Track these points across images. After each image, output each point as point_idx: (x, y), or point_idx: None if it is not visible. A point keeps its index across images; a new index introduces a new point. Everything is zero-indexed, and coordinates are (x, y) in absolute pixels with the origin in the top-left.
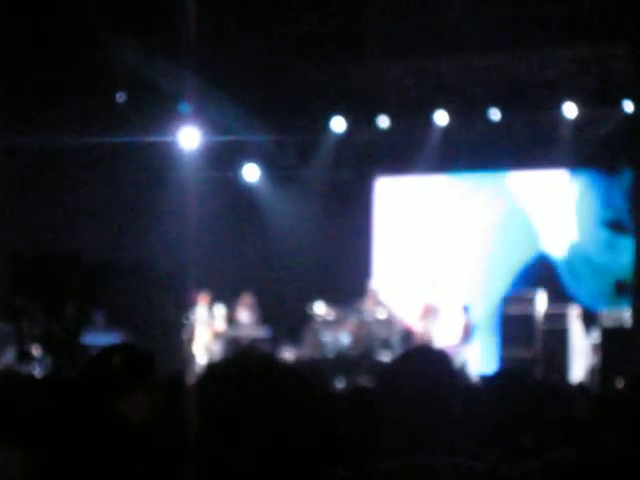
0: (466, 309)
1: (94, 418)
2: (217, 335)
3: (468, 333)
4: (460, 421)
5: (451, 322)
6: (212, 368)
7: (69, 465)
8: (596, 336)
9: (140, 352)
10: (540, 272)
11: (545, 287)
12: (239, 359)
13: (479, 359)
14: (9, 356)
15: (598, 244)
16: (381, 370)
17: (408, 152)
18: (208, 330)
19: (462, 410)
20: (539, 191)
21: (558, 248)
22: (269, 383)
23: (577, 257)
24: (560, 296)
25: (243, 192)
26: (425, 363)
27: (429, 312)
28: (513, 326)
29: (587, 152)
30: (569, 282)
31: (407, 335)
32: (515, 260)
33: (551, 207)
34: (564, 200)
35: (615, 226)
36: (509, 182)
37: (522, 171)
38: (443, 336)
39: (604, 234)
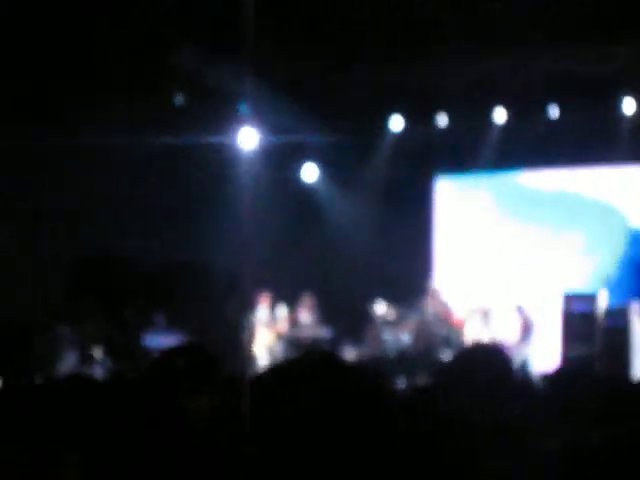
0: (520, 309)
1: (159, 420)
2: (279, 336)
3: (526, 332)
4: (520, 418)
5: (508, 323)
6: (275, 369)
7: (132, 466)
8: None
9: (204, 354)
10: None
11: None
12: (302, 359)
13: (543, 358)
14: (71, 359)
15: None
16: (439, 369)
17: (467, 150)
18: (270, 331)
19: (522, 408)
20: (603, 188)
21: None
22: (332, 383)
23: None
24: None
25: (302, 192)
26: (481, 361)
27: (481, 315)
28: (575, 323)
29: None
30: None
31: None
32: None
33: (617, 203)
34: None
35: None
36: (569, 179)
37: (583, 168)
38: (501, 336)
39: None
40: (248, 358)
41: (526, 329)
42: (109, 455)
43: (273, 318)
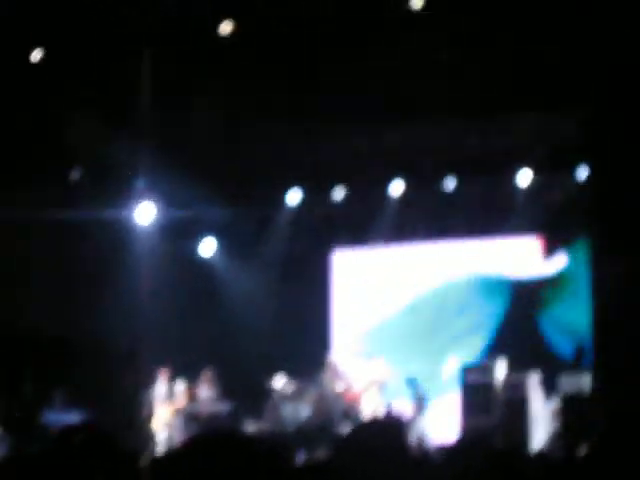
0: (412, 382)
1: None
2: (178, 411)
3: (420, 405)
4: None
5: (401, 396)
6: (172, 450)
7: None
8: (557, 401)
9: (100, 431)
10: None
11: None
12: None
13: (442, 429)
14: None
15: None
16: (338, 443)
17: (364, 223)
18: (168, 406)
19: None
20: (494, 258)
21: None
22: (230, 461)
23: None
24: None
25: (201, 266)
26: (378, 435)
27: (374, 386)
28: (473, 395)
29: (540, 220)
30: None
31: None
32: (477, 328)
33: (510, 273)
34: (521, 267)
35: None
36: (464, 250)
37: (478, 239)
38: (396, 408)
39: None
40: (146, 434)
41: (420, 402)
42: None
43: (172, 393)
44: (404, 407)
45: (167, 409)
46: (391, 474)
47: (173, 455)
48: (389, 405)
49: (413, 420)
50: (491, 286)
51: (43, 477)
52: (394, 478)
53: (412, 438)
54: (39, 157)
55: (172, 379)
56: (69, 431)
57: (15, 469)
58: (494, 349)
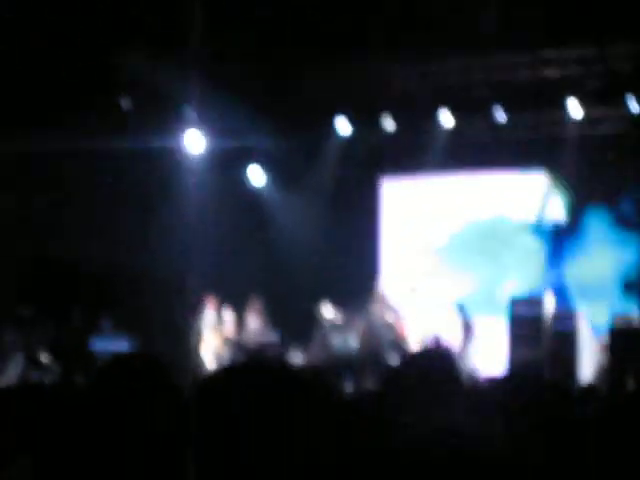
0: (461, 307)
1: (109, 428)
2: (226, 341)
3: (467, 333)
4: (466, 424)
5: (449, 323)
6: (215, 378)
7: (81, 473)
8: (606, 335)
9: (153, 360)
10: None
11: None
12: (244, 369)
13: (487, 361)
14: (18, 364)
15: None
16: (387, 374)
17: (413, 153)
18: (217, 335)
19: (468, 412)
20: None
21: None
22: (278, 394)
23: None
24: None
25: (250, 196)
26: (428, 365)
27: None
28: (521, 327)
29: (592, 153)
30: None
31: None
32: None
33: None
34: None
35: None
36: (515, 182)
37: (527, 171)
38: (443, 336)
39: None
40: (194, 363)
41: (467, 330)
42: (59, 459)
43: (220, 322)
44: (453, 334)
45: (215, 338)
46: (441, 405)
47: (218, 381)
48: (437, 335)
49: (461, 349)
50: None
51: (94, 406)
52: (444, 409)
53: (461, 368)
54: (88, 87)
55: (220, 307)
56: (122, 359)
57: (65, 397)
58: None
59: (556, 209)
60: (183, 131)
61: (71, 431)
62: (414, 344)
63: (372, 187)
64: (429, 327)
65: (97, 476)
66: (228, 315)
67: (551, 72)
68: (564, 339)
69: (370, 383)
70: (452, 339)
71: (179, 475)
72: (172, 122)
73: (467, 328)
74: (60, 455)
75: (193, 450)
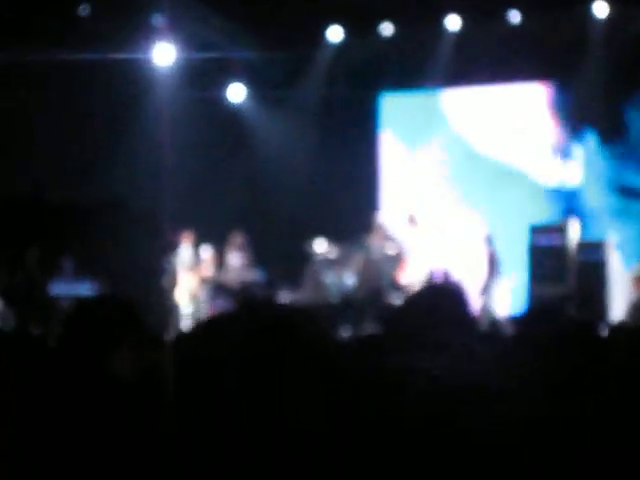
0: (489, 239)
1: (78, 378)
2: (204, 280)
3: (494, 266)
4: (484, 370)
5: (473, 255)
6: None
7: (55, 427)
8: (637, 268)
9: (123, 303)
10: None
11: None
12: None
13: (507, 297)
14: None
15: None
16: (390, 314)
17: (416, 63)
18: (194, 275)
19: (485, 357)
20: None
21: None
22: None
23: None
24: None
25: (227, 115)
26: (437, 304)
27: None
28: (543, 259)
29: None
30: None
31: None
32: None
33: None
34: None
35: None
36: (532, 94)
37: (546, 81)
38: (467, 269)
39: None
40: (169, 307)
41: (493, 263)
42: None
43: (197, 260)
44: (476, 269)
45: (192, 278)
46: (453, 350)
47: (201, 329)
48: (444, 270)
49: (485, 286)
50: None
51: (55, 357)
52: (456, 354)
53: (480, 307)
54: None
55: (197, 244)
56: (87, 305)
57: (21, 348)
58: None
59: None
60: (152, 42)
61: (31, 390)
62: (418, 281)
63: (369, 104)
64: (435, 262)
65: (74, 430)
66: (206, 252)
67: None
68: (591, 271)
69: (369, 326)
70: (463, 275)
71: (160, 438)
72: (138, 32)
73: (492, 263)
74: (32, 411)
75: (174, 411)
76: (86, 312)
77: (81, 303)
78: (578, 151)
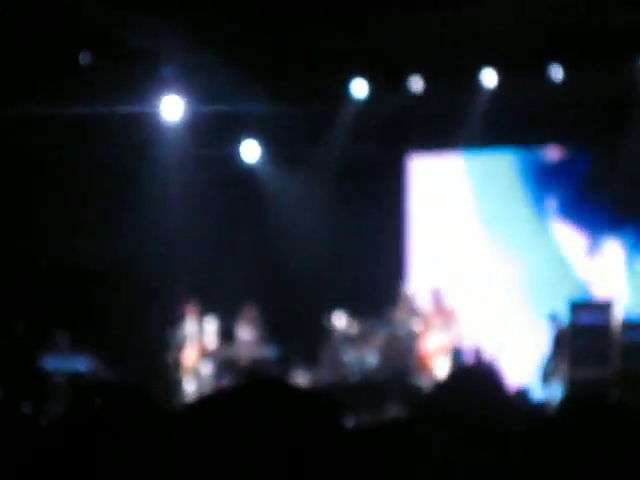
0: (554, 317)
1: (73, 465)
2: (208, 355)
3: (559, 346)
4: (521, 460)
5: (511, 327)
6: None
7: None
8: None
9: (131, 393)
10: None
11: None
12: (243, 388)
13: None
14: None
15: None
16: (419, 397)
17: (448, 122)
18: (197, 349)
19: (522, 446)
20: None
21: None
22: (282, 419)
23: None
24: None
25: (240, 175)
26: (476, 388)
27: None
28: (584, 339)
29: None
30: None
31: (455, 352)
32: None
33: None
34: None
35: None
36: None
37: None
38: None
39: None
40: (171, 385)
41: (558, 342)
42: None
43: (201, 333)
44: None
45: (196, 353)
46: (488, 438)
47: (202, 407)
48: (476, 348)
49: (553, 364)
50: None
51: (48, 439)
52: (491, 442)
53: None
54: (41, 38)
55: (202, 316)
56: (89, 393)
57: (9, 427)
58: None
59: None
60: (160, 95)
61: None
62: (446, 360)
63: (396, 165)
64: (465, 337)
65: None
66: (210, 324)
67: (623, 19)
68: (637, 353)
69: (393, 410)
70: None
71: None
72: (145, 83)
73: (558, 341)
74: None
75: None
76: (94, 401)
77: (89, 388)
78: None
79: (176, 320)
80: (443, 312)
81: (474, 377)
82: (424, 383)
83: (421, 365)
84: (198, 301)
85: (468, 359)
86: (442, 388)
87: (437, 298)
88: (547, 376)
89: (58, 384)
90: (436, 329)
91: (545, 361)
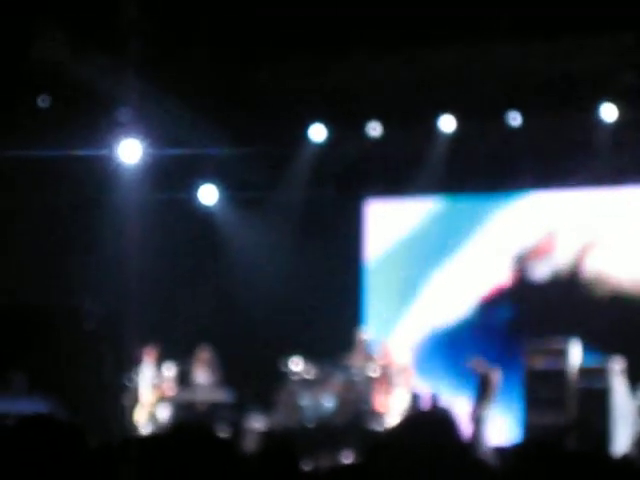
0: (476, 362)
1: None
2: (166, 399)
3: (485, 388)
4: None
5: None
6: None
7: None
8: None
9: (64, 425)
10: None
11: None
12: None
13: (497, 426)
14: None
15: None
16: (373, 443)
17: (406, 166)
18: (155, 394)
19: None
20: (571, 215)
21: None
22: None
23: None
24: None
25: (198, 218)
26: (426, 435)
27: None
28: (540, 384)
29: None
30: None
31: (412, 397)
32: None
33: (588, 232)
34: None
35: None
36: (533, 204)
37: (549, 191)
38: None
39: None
40: (127, 429)
41: (484, 385)
42: None
43: (159, 378)
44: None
45: (153, 397)
46: None
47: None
48: (435, 395)
49: (475, 410)
50: None
51: None
52: None
53: (471, 434)
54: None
55: (160, 361)
56: (23, 424)
57: None
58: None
59: None
60: (117, 138)
61: None
62: (402, 406)
63: (354, 210)
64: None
65: None
66: (169, 371)
67: (579, 66)
68: (593, 399)
69: (349, 455)
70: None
71: None
72: (102, 126)
73: (484, 383)
74: None
75: None
76: (20, 434)
77: (16, 424)
78: None
79: (133, 364)
80: (390, 364)
81: (428, 422)
82: (380, 428)
83: (377, 411)
84: (156, 345)
85: (424, 404)
86: (395, 432)
87: (384, 350)
88: (479, 420)
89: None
90: (385, 378)
91: (474, 405)
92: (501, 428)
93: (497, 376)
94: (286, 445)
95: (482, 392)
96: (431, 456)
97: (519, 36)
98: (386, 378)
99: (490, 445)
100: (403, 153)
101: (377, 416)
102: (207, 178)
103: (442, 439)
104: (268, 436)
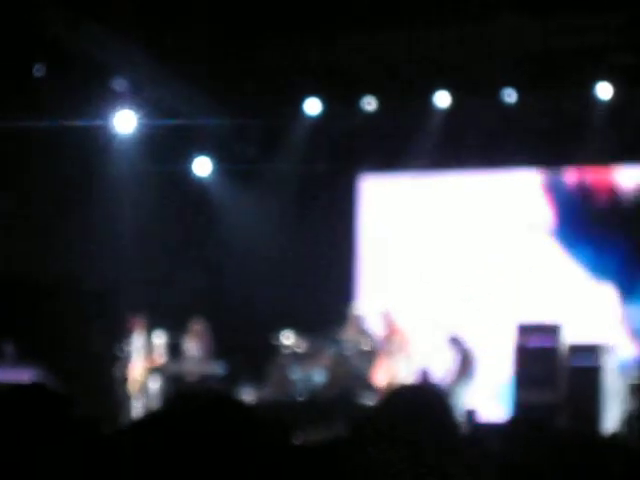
0: (456, 340)
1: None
2: (155, 370)
3: (466, 369)
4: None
5: (443, 354)
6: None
7: None
8: (636, 375)
9: (51, 392)
10: None
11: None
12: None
13: (489, 403)
14: None
15: None
16: (360, 417)
17: (400, 141)
18: (145, 364)
19: (463, 468)
20: (570, 193)
21: None
22: (227, 434)
23: None
24: None
25: (192, 190)
26: (414, 408)
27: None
28: (531, 362)
29: (626, 142)
30: None
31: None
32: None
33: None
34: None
35: None
36: (528, 182)
37: (545, 168)
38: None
39: None
40: (116, 399)
41: (466, 365)
42: None
43: (149, 348)
44: (445, 370)
45: (143, 367)
46: (428, 458)
47: (145, 422)
48: (424, 369)
49: (455, 387)
50: None
51: None
52: (431, 463)
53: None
54: None
55: (150, 330)
56: (10, 393)
57: None
58: None
59: None
60: (113, 108)
61: None
62: (395, 381)
63: (348, 184)
64: (415, 359)
65: None
66: (159, 338)
67: (574, 41)
68: (584, 377)
69: (339, 428)
70: (446, 375)
71: None
72: (97, 96)
73: (464, 362)
74: None
75: None
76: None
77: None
78: None
79: (123, 334)
80: (393, 334)
81: (418, 395)
82: (371, 402)
83: (370, 384)
84: (146, 315)
85: (416, 380)
86: (383, 406)
87: (387, 320)
88: (450, 394)
89: None
90: (386, 351)
91: (453, 385)
92: (490, 405)
93: (476, 356)
94: (277, 418)
95: (461, 368)
96: (413, 431)
97: (515, 13)
98: (388, 351)
99: (479, 417)
100: (398, 128)
101: (371, 390)
102: (202, 150)
103: (427, 415)
104: (259, 409)
